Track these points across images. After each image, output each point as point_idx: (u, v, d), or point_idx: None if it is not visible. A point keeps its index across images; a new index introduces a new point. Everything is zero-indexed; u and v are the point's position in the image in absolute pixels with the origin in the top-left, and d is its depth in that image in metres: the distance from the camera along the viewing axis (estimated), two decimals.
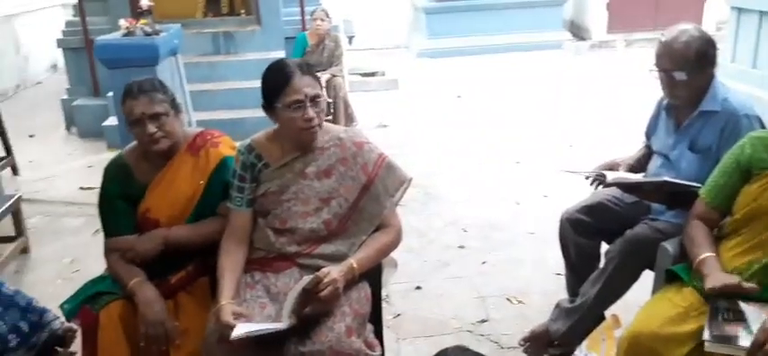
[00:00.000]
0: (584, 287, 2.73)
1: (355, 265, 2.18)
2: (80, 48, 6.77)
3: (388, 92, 8.18)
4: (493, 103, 7.41)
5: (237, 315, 2.04)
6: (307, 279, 2.05)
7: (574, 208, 2.85)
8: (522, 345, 2.90)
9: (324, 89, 5.89)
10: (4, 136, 5.31)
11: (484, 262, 3.80)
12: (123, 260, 2.38)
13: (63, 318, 2.88)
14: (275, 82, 2.17)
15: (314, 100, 2.16)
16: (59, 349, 2.91)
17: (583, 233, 2.82)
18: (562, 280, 3.04)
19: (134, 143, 2.45)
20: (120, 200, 2.42)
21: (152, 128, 2.30)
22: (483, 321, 3.21)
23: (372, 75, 8.60)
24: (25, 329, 2.81)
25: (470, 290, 3.49)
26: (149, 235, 2.38)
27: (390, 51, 10.86)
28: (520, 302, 3.35)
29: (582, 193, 2.92)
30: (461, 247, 4.01)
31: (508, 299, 3.38)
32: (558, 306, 2.85)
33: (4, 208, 3.84)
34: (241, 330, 1.97)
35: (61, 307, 2.42)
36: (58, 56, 7.69)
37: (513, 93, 7.82)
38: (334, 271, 2.09)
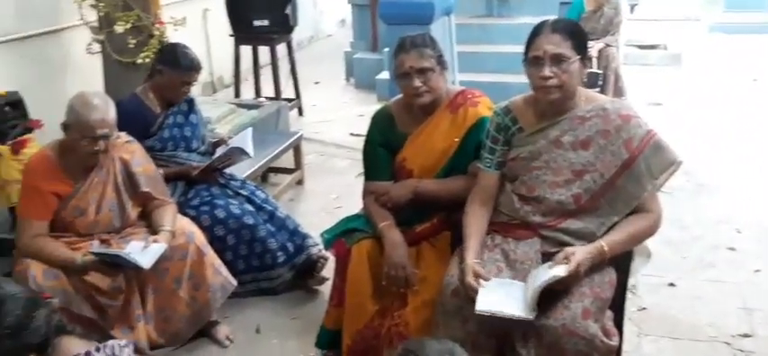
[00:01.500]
0: None
1: (606, 248, 2.04)
2: (365, 6, 7.33)
3: (667, 68, 7.46)
4: None
5: (477, 277, 2.05)
6: (555, 270, 1.95)
7: None
8: None
9: (594, 60, 5.60)
10: (295, 80, 6.00)
11: (758, 271, 3.32)
12: (377, 203, 2.55)
13: (321, 246, 3.22)
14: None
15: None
16: (313, 273, 3.25)
17: None
18: None
19: (400, 95, 2.58)
20: (382, 148, 2.58)
21: (417, 82, 2.39)
22: (746, 335, 2.82)
23: (652, 48, 7.91)
24: (291, 249, 3.19)
25: (735, 299, 3.08)
26: (403, 183, 2.51)
27: (677, 23, 9.85)
28: None
29: None
30: (731, 249, 3.55)
31: None
32: None
33: (288, 143, 4.36)
34: (485, 306, 1.97)
35: (322, 235, 2.68)
36: (347, 12, 8.41)
37: None
38: (579, 253, 1.99)
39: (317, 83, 7.23)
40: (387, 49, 6.22)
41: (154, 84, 3.15)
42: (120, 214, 2.72)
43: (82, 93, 2.59)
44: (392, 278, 2.40)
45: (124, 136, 2.76)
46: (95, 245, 2.62)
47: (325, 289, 3.20)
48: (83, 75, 4.35)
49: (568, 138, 2.13)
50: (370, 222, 2.54)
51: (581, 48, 2.09)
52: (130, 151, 2.76)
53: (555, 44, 2.04)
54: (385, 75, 6.36)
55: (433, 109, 2.48)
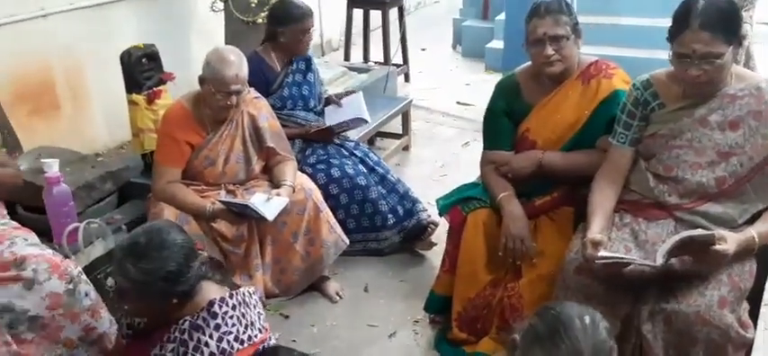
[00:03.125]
0: None
1: (756, 239, 1.93)
2: None
3: None
4: None
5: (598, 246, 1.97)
6: (698, 231, 1.87)
7: None
8: None
9: None
10: (404, 46, 5.99)
11: None
12: (496, 172, 2.52)
13: (429, 212, 3.23)
14: None
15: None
16: (422, 238, 3.27)
17: None
18: None
19: (527, 64, 2.51)
20: (505, 117, 2.53)
21: (550, 50, 2.31)
22: None
23: None
24: (400, 212, 3.21)
25: None
26: (526, 154, 2.46)
27: None
28: None
29: None
30: None
31: None
32: None
33: (397, 109, 4.38)
34: (608, 254, 1.92)
35: (437, 201, 2.68)
36: None
37: None
38: (731, 240, 1.87)
39: (423, 49, 7.19)
40: (501, 17, 6.09)
41: (276, 44, 3.23)
42: (245, 166, 2.84)
43: (218, 49, 2.70)
44: (510, 250, 2.37)
45: (253, 91, 2.86)
46: (223, 194, 2.75)
47: (432, 254, 3.24)
48: (206, 32, 4.52)
49: (716, 118, 2.01)
50: (489, 191, 2.51)
51: (733, 34, 1.91)
52: (258, 107, 2.85)
53: (704, 43, 1.88)
54: (495, 44, 6.24)
55: (563, 78, 2.40)
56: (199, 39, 4.57)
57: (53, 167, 2.63)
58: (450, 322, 2.57)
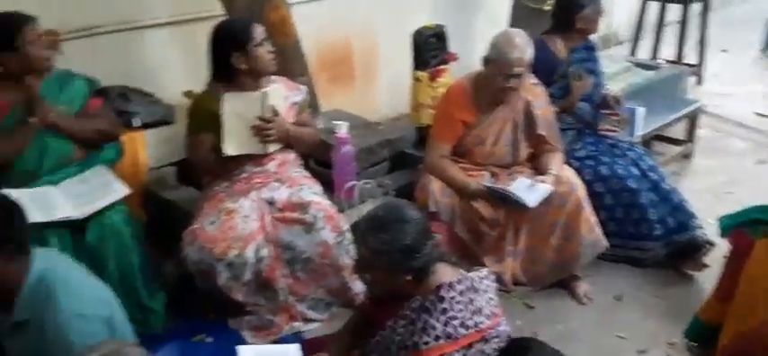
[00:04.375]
0: None
1: None
2: None
3: None
4: None
5: None
6: None
7: None
8: None
9: None
10: (703, 45, 5.44)
11: None
12: None
13: (705, 230, 2.94)
14: None
15: None
16: (693, 257, 2.99)
17: None
18: None
19: None
20: None
21: None
22: None
23: None
24: (671, 225, 2.98)
25: None
26: None
27: None
28: None
29: None
30: None
31: None
32: None
33: (683, 112, 4.04)
34: None
35: (720, 219, 2.44)
36: None
37: None
38: None
39: (724, 51, 6.46)
40: None
41: (565, 32, 3.19)
42: (512, 150, 2.88)
43: (506, 31, 2.79)
44: None
45: (532, 78, 2.88)
46: (487, 177, 2.83)
47: (701, 276, 2.96)
48: (492, 16, 4.63)
49: None
50: None
51: None
52: (535, 93, 2.87)
53: None
54: None
55: None
56: (483, 22, 4.70)
57: (343, 129, 2.97)
58: (712, 353, 2.33)
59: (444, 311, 1.75)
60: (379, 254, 1.77)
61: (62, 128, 2.51)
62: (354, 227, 1.91)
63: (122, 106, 3.02)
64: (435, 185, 2.79)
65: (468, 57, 3.58)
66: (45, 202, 2.37)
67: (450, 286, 1.77)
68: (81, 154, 2.60)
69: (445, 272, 1.83)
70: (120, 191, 2.55)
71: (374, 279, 1.84)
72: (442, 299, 1.76)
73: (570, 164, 2.97)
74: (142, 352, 1.33)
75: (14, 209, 1.71)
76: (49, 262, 1.74)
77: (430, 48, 3.36)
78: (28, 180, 2.46)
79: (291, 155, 2.83)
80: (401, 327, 1.80)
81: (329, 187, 2.94)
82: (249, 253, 2.50)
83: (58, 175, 2.52)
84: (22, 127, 2.45)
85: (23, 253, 1.69)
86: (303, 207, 2.61)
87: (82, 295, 1.69)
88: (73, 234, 2.41)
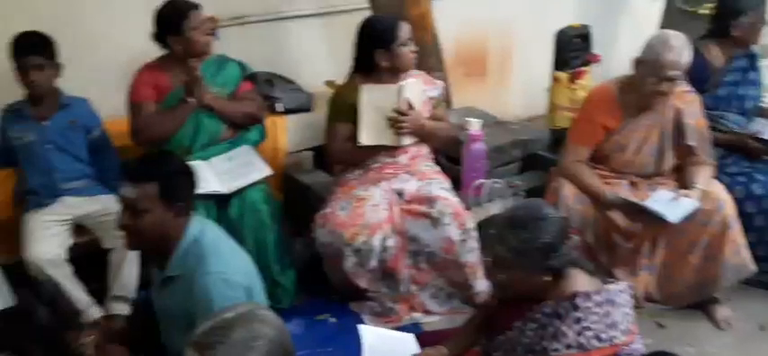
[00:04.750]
0: None
1: None
2: None
3: None
4: None
5: None
6: None
7: None
8: None
9: None
10: None
11: None
12: None
13: None
14: None
15: None
16: None
17: None
18: None
19: None
20: None
21: None
22: None
23: None
24: None
25: None
26: None
27: None
28: None
29: None
30: None
31: None
32: None
33: None
34: None
35: None
36: None
37: None
38: None
39: None
40: None
41: (722, 38, 2.99)
42: (656, 160, 2.72)
43: (663, 32, 2.65)
44: None
45: (684, 85, 2.70)
46: (625, 188, 2.70)
47: None
48: (640, 19, 4.40)
49: None
50: None
51: None
52: (687, 101, 2.69)
53: None
54: None
55: None
56: (631, 25, 4.48)
57: (476, 126, 2.95)
58: None
59: (578, 320, 1.71)
60: (519, 253, 1.74)
61: (216, 109, 2.70)
62: (489, 227, 1.89)
63: (267, 91, 3.20)
64: (568, 190, 2.70)
65: (611, 61, 3.44)
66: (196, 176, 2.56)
67: (587, 296, 1.72)
68: (230, 133, 2.78)
69: (581, 281, 1.78)
70: (263, 170, 2.71)
71: (510, 279, 1.80)
72: (576, 307, 1.71)
73: (720, 181, 2.76)
74: (274, 317, 1.40)
75: (192, 175, 1.91)
76: (204, 227, 1.90)
77: (572, 49, 3.26)
78: (182, 155, 2.65)
79: (424, 150, 2.86)
80: (530, 330, 1.77)
81: (457, 183, 2.94)
82: (376, 240, 2.56)
83: (208, 152, 2.71)
84: (182, 105, 2.66)
85: (187, 213, 1.87)
86: (430, 201, 2.64)
87: (229, 262, 1.83)
88: (218, 206, 2.59)
